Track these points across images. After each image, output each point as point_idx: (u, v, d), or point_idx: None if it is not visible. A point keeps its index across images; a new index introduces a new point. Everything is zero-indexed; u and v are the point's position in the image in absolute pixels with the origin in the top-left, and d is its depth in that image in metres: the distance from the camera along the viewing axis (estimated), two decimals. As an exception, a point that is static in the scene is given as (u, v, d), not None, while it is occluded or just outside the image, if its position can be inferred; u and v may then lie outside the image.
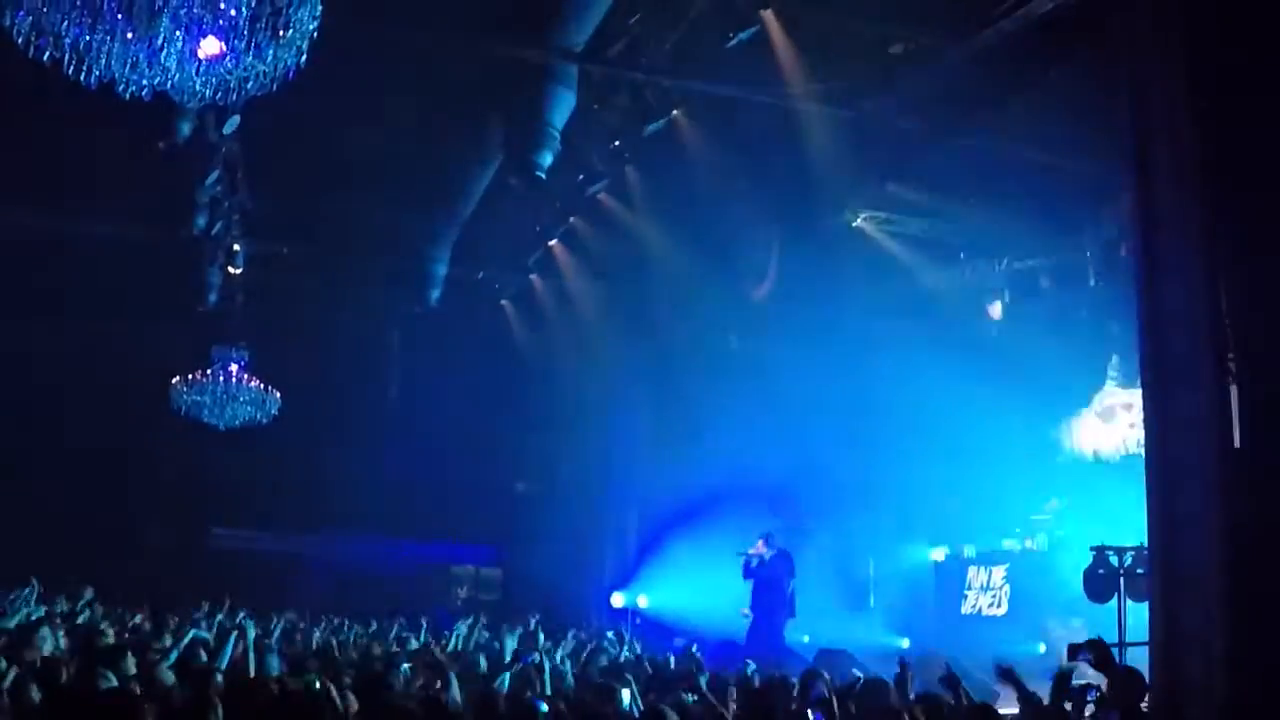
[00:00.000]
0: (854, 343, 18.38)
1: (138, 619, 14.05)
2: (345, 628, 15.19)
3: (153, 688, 7.24)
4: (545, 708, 7.31)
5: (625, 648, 13.50)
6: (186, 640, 9.59)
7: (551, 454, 24.70)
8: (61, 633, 10.55)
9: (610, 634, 15.27)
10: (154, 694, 6.98)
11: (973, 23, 11.43)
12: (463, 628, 13.41)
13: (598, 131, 15.01)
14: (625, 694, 8.21)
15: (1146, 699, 7.25)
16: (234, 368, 19.76)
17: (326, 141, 15.82)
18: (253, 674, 8.58)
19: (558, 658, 10.71)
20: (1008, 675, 7.30)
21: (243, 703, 6.38)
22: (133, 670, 7.82)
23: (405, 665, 9.68)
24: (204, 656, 9.27)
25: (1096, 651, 7.34)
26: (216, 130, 14.68)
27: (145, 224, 18.39)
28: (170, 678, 7.80)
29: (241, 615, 10.86)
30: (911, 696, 7.86)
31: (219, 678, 7.45)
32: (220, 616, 11.81)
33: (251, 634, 9.48)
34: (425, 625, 14.55)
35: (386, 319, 23.70)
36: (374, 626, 15.59)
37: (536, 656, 9.92)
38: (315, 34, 8.34)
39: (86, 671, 7.41)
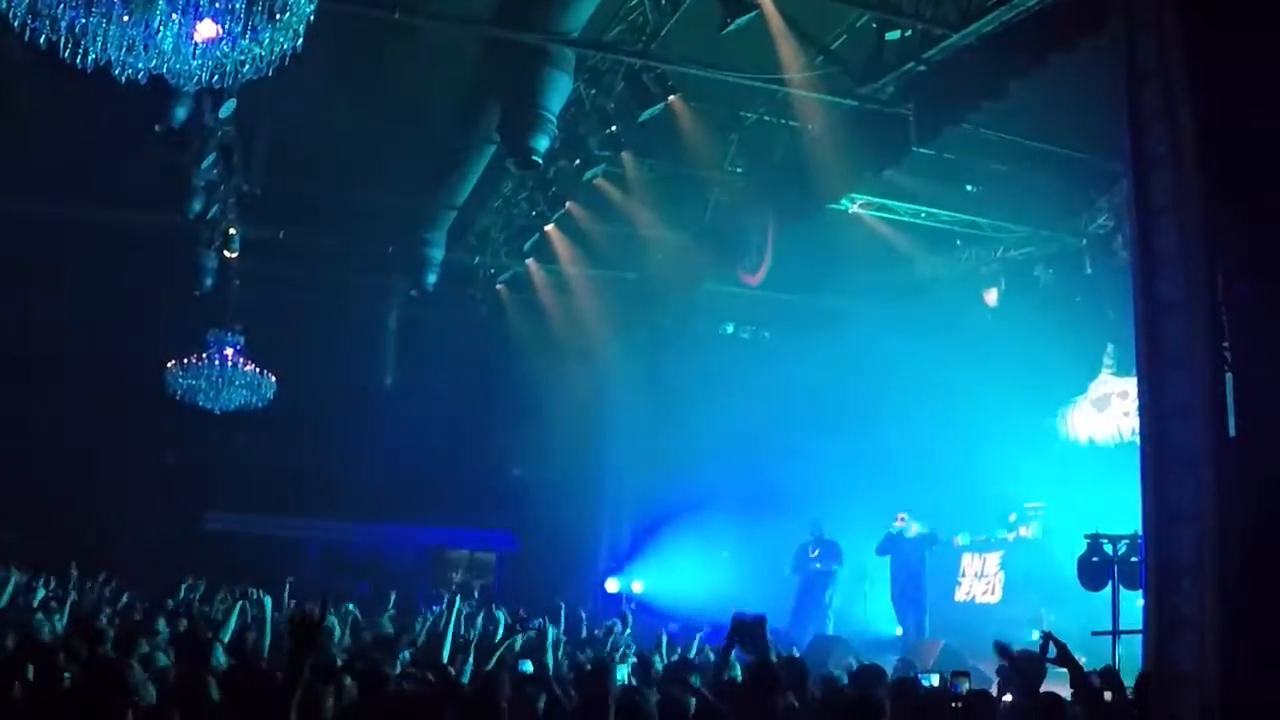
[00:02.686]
0: (849, 329, 18.39)
1: (126, 598, 14.05)
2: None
3: (150, 669, 7.25)
4: (530, 668, 7.41)
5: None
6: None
7: (547, 438, 24.69)
8: (60, 617, 10.59)
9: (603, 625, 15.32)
10: (151, 675, 6.99)
11: (970, 9, 11.42)
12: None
13: (594, 116, 14.98)
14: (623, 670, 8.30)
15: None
16: (229, 352, 19.72)
17: (323, 125, 15.78)
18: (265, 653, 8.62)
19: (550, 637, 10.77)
20: (1004, 652, 7.26)
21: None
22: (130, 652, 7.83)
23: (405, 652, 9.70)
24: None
25: (1054, 646, 7.35)
26: (212, 114, 14.64)
27: (141, 208, 18.32)
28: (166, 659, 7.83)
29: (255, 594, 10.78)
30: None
31: (220, 653, 7.47)
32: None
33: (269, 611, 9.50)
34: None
35: (382, 303, 23.67)
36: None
37: (540, 622, 10.01)
38: (311, 17, 8.33)
39: (87, 654, 7.43)
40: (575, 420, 23.41)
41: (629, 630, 13.22)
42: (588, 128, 15.13)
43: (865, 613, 18.54)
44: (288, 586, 12.92)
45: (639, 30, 13.29)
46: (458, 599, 11.88)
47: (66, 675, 6.73)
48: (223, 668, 7.38)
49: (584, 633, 13.48)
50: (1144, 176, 8.25)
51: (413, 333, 23.93)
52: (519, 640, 9.92)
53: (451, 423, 23.78)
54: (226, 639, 8.93)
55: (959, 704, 7.33)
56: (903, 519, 16.72)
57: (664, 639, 11.94)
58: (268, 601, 9.78)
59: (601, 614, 18.02)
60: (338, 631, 11.20)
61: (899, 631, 17.08)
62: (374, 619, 13.51)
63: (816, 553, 17.58)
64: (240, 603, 9.99)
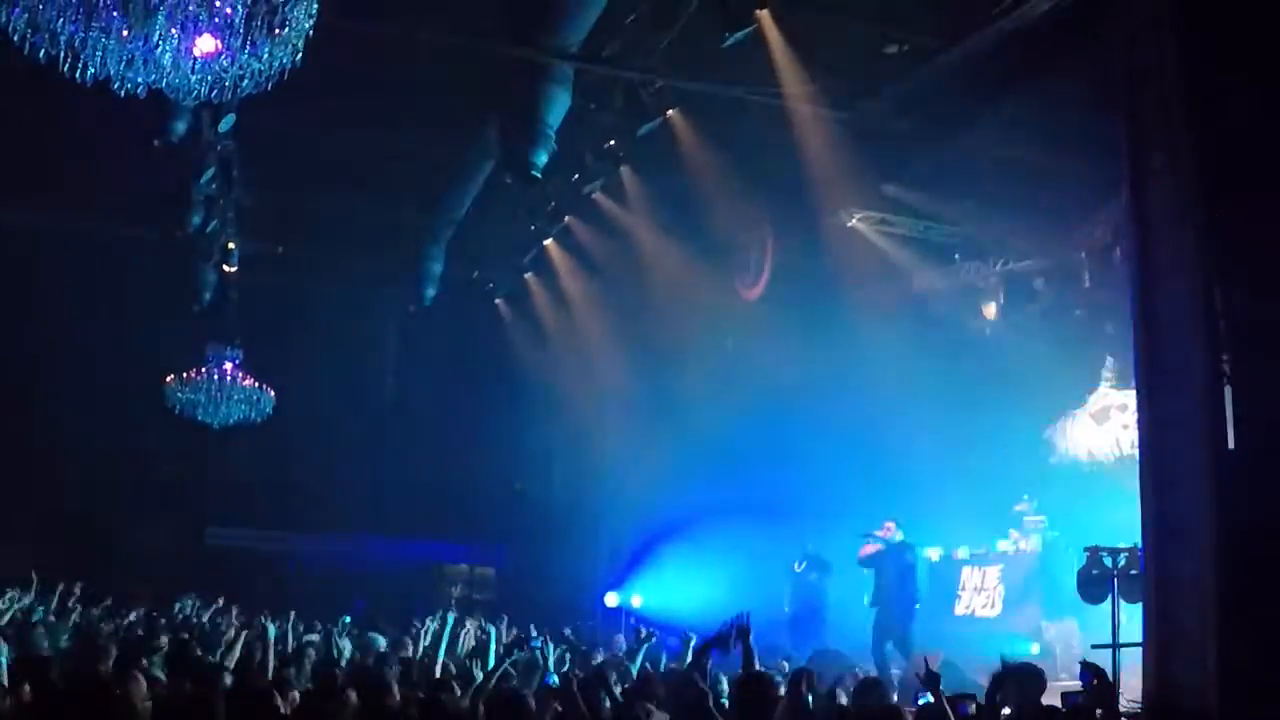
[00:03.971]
0: (848, 344, 18.36)
1: (132, 616, 14.06)
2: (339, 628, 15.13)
3: (149, 685, 7.24)
4: (556, 680, 7.44)
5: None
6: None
7: (546, 453, 24.69)
8: (61, 633, 10.59)
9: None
10: (151, 693, 6.97)
11: (968, 23, 11.45)
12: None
13: (592, 131, 15.02)
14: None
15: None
16: (228, 366, 19.74)
17: (322, 140, 15.82)
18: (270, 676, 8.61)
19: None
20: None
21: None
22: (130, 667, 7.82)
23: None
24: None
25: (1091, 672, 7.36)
26: (212, 128, 14.69)
27: (140, 222, 18.37)
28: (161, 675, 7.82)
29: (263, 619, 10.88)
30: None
31: (227, 677, 7.48)
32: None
33: (273, 633, 9.56)
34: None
35: (382, 317, 23.69)
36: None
37: (539, 642, 9.99)
38: (311, 32, 8.35)
39: (87, 669, 7.42)
40: (575, 434, 23.39)
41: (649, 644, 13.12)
42: (586, 142, 15.16)
43: (864, 626, 18.45)
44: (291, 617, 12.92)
45: (637, 45, 13.32)
46: (450, 616, 11.86)
47: (63, 691, 6.72)
48: (228, 688, 7.39)
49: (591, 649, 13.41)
50: (1142, 188, 8.25)
51: (412, 347, 23.94)
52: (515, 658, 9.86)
53: (451, 437, 23.76)
54: (232, 665, 8.93)
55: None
56: (889, 528, 16.33)
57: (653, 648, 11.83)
58: (271, 629, 9.90)
59: (602, 629, 18.02)
60: (348, 650, 11.25)
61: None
62: (366, 635, 13.46)
63: (802, 565, 17.54)
64: (245, 633, 10.06)
